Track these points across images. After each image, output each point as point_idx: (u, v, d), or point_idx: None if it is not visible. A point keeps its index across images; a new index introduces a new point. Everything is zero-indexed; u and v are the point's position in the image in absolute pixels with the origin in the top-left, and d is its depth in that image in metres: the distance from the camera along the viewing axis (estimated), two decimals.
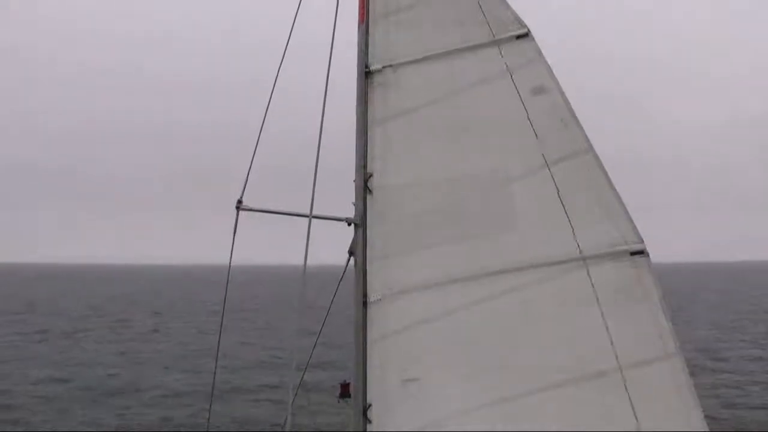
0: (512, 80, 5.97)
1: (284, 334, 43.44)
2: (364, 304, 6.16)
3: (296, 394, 6.39)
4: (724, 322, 53.49)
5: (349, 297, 6.27)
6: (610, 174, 5.82)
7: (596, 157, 5.88)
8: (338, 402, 6.38)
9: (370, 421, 6.11)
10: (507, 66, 5.98)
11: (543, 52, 5.99)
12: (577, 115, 5.91)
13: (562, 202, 5.86)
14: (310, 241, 6.01)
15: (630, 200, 5.79)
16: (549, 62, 5.98)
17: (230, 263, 6.46)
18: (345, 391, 6.31)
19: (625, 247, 5.77)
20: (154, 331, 50.61)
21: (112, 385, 29.60)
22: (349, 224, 6.23)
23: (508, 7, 6.03)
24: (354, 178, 6.26)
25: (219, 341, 7.33)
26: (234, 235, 6.23)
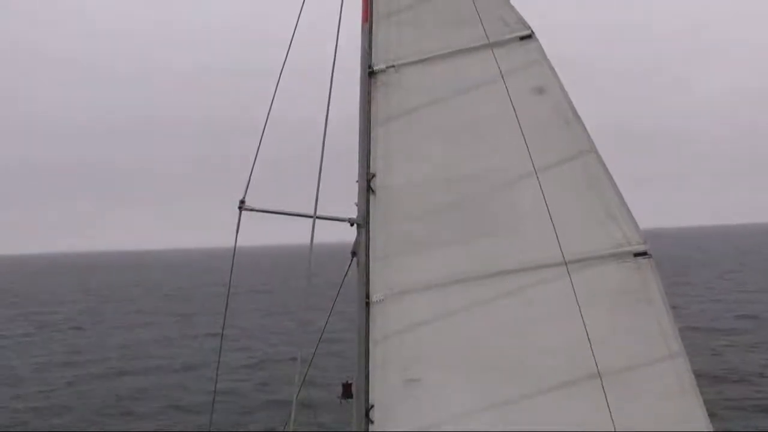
0: (515, 81, 5.96)
1: (293, 311, 44.30)
2: (367, 304, 6.16)
3: (298, 394, 6.38)
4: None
5: (351, 296, 6.28)
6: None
7: (599, 158, 5.87)
8: (340, 402, 6.37)
9: (371, 422, 6.11)
10: (510, 67, 5.97)
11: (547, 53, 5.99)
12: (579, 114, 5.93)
13: (565, 203, 5.85)
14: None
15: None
16: (552, 63, 5.98)
17: (233, 263, 6.46)
18: (347, 392, 6.31)
19: (628, 248, 5.77)
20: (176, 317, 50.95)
21: (120, 377, 29.76)
22: (352, 224, 6.23)
23: (511, 8, 6.02)
24: (357, 179, 6.25)
25: (221, 345, 7.31)
26: (236, 235, 6.23)
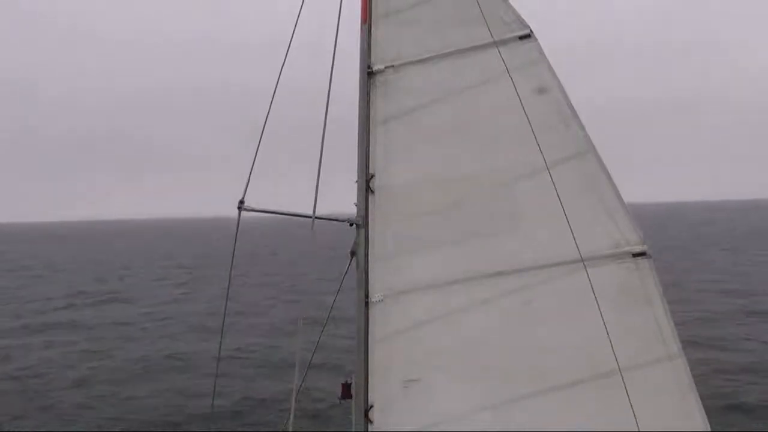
0: (514, 81, 5.96)
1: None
2: (366, 304, 6.17)
3: (298, 394, 6.39)
4: None
5: (350, 297, 6.28)
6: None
7: (598, 158, 5.88)
8: (339, 403, 6.38)
9: (371, 422, 6.12)
10: (509, 66, 5.97)
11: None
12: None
13: (564, 203, 5.85)
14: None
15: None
16: (551, 62, 5.98)
17: (232, 261, 6.48)
18: (346, 392, 6.31)
19: (627, 249, 5.77)
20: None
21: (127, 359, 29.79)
22: (351, 225, 6.23)
23: (510, 7, 6.02)
24: (356, 179, 6.26)
25: (220, 344, 7.32)
26: (236, 235, 6.23)
